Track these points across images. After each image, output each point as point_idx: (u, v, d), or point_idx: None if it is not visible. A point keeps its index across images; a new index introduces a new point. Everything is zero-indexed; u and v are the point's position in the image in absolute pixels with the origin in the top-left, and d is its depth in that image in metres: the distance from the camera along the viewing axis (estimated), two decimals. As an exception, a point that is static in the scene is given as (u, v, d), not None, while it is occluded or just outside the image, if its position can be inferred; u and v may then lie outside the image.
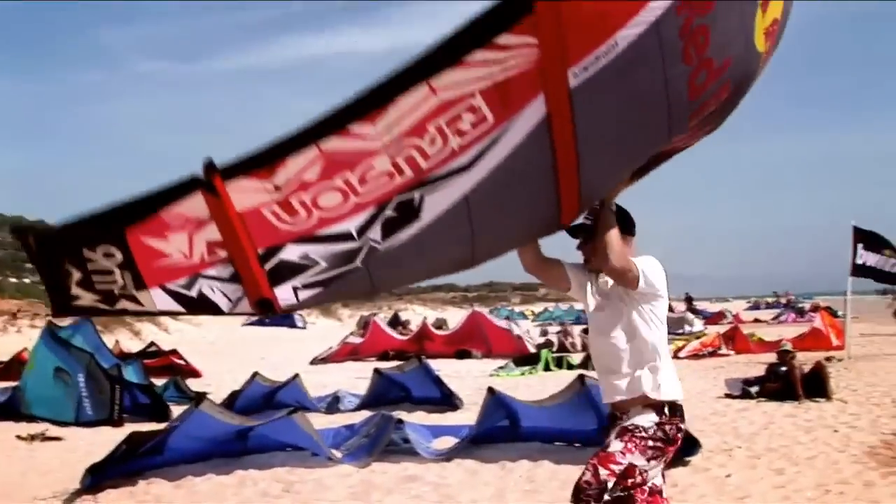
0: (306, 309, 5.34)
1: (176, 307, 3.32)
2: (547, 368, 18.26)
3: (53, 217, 3.82)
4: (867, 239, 19.14)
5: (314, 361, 22.37)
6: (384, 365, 15.46)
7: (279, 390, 12.36)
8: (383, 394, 12.72)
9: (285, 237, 3.20)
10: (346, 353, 23.13)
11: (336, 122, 2.97)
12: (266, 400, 12.18)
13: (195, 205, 3.08)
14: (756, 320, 36.61)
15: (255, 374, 12.62)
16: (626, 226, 4.01)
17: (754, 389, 12.78)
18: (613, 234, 3.81)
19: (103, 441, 9.35)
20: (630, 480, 3.79)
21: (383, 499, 7.03)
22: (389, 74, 2.91)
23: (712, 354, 20.27)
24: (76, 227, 3.21)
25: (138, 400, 12.58)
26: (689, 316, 30.25)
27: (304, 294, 3.35)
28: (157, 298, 3.27)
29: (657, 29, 2.99)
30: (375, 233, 3.23)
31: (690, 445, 8.14)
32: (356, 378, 15.95)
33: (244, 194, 3.09)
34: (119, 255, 3.18)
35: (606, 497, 3.79)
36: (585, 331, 25.55)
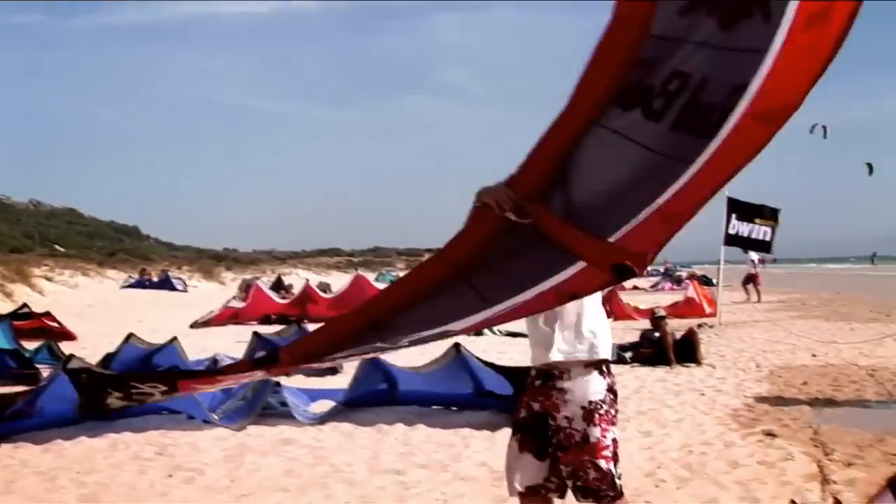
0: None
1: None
2: (428, 334, 18.42)
3: None
4: (740, 209, 19.88)
5: (194, 325, 22.06)
6: (266, 329, 15.37)
7: (155, 353, 12.12)
8: (262, 357, 12.65)
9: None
10: (228, 316, 22.87)
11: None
12: (142, 363, 11.91)
13: (255, 373, 3.72)
14: (634, 287, 37.63)
15: (130, 336, 12.37)
16: None
17: (628, 355, 13.20)
18: None
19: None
20: (617, 451, 3.92)
21: (257, 461, 7.02)
22: None
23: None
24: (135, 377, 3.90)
25: (7, 364, 12.20)
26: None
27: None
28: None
29: None
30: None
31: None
32: (237, 342, 15.80)
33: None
34: (163, 387, 3.63)
35: (618, 481, 3.88)
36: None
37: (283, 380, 10.52)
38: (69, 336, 17.70)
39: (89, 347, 15.56)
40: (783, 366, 12.56)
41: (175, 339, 12.39)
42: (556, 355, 3.95)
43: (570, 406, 3.89)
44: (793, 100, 2.62)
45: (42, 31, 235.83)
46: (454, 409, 9.14)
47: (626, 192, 2.90)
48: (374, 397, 9.18)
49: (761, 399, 9.76)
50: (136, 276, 45.13)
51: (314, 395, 9.78)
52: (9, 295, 29.33)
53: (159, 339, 12.90)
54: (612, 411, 3.95)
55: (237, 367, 3.62)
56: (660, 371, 12.00)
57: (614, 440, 3.91)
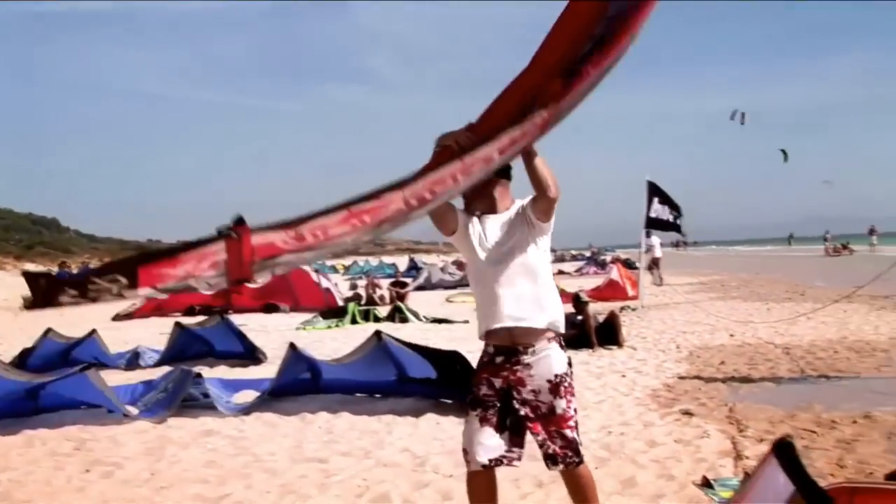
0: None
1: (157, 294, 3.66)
2: (354, 321, 18.42)
3: None
4: (661, 193, 20.23)
5: (116, 317, 21.67)
6: (189, 320, 15.16)
7: (75, 347, 11.94)
8: (185, 349, 12.50)
9: (285, 251, 3.61)
10: (151, 308, 22.45)
11: (373, 195, 3.62)
12: (62, 357, 11.74)
13: (214, 247, 3.48)
14: (560, 272, 37.98)
15: (49, 331, 12.14)
16: (507, 170, 4.29)
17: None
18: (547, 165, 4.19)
19: None
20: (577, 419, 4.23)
21: (178, 453, 6.95)
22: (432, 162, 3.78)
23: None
24: (94, 271, 3.52)
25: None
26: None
27: (280, 271, 3.83)
28: (143, 292, 3.57)
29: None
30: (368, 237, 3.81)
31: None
32: (160, 334, 15.56)
33: (264, 237, 3.54)
34: (123, 281, 3.43)
35: (581, 448, 4.18)
36: (394, 284, 26.17)
37: (205, 371, 10.45)
38: (-16, 331, 17.25)
39: (5, 342, 15.23)
40: (702, 346, 12.85)
41: (94, 331, 12.22)
42: (508, 321, 4.14)
43: (536, 380, 4.12)
44: None
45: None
46: (378, 396, 9.16)
47: None
48: (298, 387, 9.15)
49: (680, 379, 9.97)
50: (55, 269, 44.11)
51: (237, 385, 9.70)
52: (-79, 290, 28.42)
53: (80, 332, 12.68)
54: (572, 381, 4.25)
55: (199, 242, 3.52)
56: (583, 354, 12.16)
57: (575, 409, 4.20)
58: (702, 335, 14.23)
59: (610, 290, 23.38)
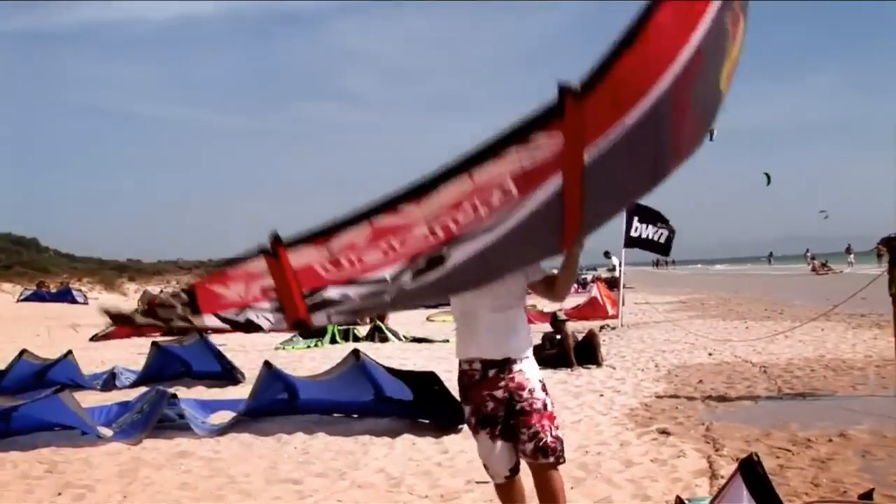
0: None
1: (223, 326, 3.88)
2: (333, 341, 18.35)
3: None
4: (642, 212, 20.22)
5: (95, 338, 21.47)
6: (169, 339, 15.06)
7: (50, 368, 11.83)
8: (162, 369, 12.42)
9: (328, 282, 3.80)
10: (130, 329, 22.28)
11: (390, 204, 3.62)
12: (37, 379, 11.63)
13: (257, 265, 3.73)
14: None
15: (23, 352, 12.02)
16: None
17: (529, 357, 13.30)
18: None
19: None
20: None
21: (152, 475, 6.89)
22: (440, 169, 3.57)
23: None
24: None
25: None
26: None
27: (336, 318, 4.06)
28: (209, 321, 3.84)
29: (657, 106, 3.57)
30: (406, 277, 3.86)
31: (462, 414, 8.43)
32: (138, 354, 15.46)
33: (301, 256, 3.70)
34: (185, 297, 3.80)
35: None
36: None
37: (182, 391, 10.39)
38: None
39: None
40: (680, 365, 12.86)
41: (70, 352, 12.11)
42: (488, 353, 4.46)
43: (531, 381, 4.46)
44: None
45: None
46: (355, 416, 9.13)
47: None
48: (275, 407, 9.10)
49: (658, 398, 9.97)
50: (32, 288, 43.82)
51: (213, 406, 9.63)
52: None
53: (56, 353, 12.57)
54: None
55: (240, 259, 3.83)
56: (561, 373, 12.16)
57: None
58: (680, 354, 14.25)
59: (590, 309, 23.42)
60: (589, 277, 48.73)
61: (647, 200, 20.51)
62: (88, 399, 10.06)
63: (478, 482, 6.40)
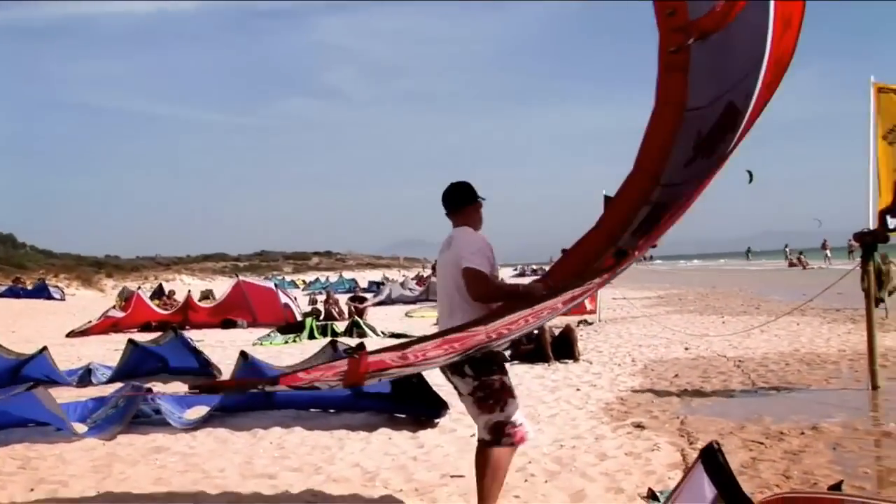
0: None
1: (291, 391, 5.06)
2: (312, 337, 18.33)
3: None
4: None
5: (71, 334, 21.32)
6: (147, 336, 15.01)
7: (25, 364, 11.73)
8: (138, 365, 12.33)
9: (391, 367, 4.62)
10: (107, 325, 22.17)
11: (461, 328, 4.36)
12: (11, 375, 11.52)
13: (341, 363, 4.71)
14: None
15: (-2, 348, 11.92)
16: (447, 203, 5.21)
17: (508, 352, 13.32)
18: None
19: None
20: None
21: (126, 470, 6.85)
22: (512, 309, 4.51)
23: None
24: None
25: None
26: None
27: (384, 379, 5.67)
28: (281, 388, 5.09)
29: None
30: (457, 359, 4.72)
31: (439, 407, 8.46)
32: (115, 350, 15.36)
33: (377, 356, 4.45)
34: (268, 387, 5.07)
35: None
36: (352, 299, 26.08)
37: (159, 387, 10.34)
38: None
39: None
40: (657, 359, 12.94)
41: (45, 348, 12.01)
42: None
43: None
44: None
45: None
46: (332, 411, 9.12)
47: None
48: (251, 402, 9.07)
49: (634, 392, 10.03)
50: (8, 284, 43.46)
51: (189, 401, 9.56)
52: None
53: (32, 349, 12.47)
54: None
55: (332, 361, 5.38)
56: (538, 368, 12.18)
57: None
58: (657, 349, 14.33)
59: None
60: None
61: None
62: (64, 395, 9.99)
63: (452, 476, 6.42)
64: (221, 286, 37.54)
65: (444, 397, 8.41)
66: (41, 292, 40.88)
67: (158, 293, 31.88)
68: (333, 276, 66.54)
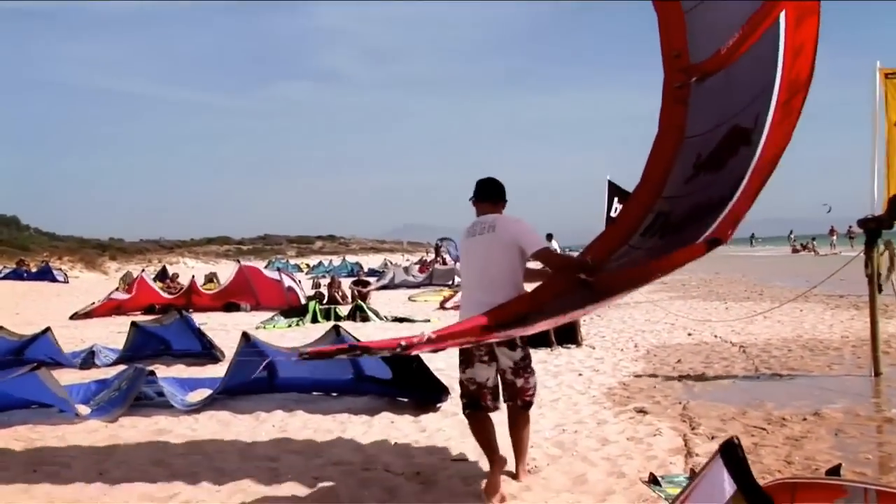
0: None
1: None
2: (315, 320, 18.35)
3: None
4: (623, 193, 20.21)
5: (74, 316, 21.40)
6: (148, 318, 15.03)
7: (28, 345, 11.77)
8: (142, 347, 12.37)
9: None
10: (111, 307, 22.25)
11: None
12: (15, 356, 11.56)
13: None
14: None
15: (1, 329, 11.95)
16: (485, 193, 5.86)
17: (510, 337, 13.32)
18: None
19: None
20: None
21: (128, 452, 6.86)
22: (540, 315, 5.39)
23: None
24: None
25: None
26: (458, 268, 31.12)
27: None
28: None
29: None
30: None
31: (440, 392, 8.47)
32: (118, 333, 15.43)
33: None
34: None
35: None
36: (355, 283, 26.12)
37: (162, 369, 10.36)
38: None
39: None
40: (660, 345, 12.93)
41: (48, 329, 12.04)
42: None
43: None
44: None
45: None
46: (334, 394, 9.13)
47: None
48: (254, 385, 9.08)
49: (636, 377, 10.03)
50: (12, 266, 43.54)
51: (192, 384, 9.61)
52: None
53: (36, 331, 12.48)
54: None
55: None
56: (541, 353, 12.16)
57: None
58: (660, 334, 14.33)
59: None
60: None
61: (628, 184, 20.47)
62: (67, 377, 10.02)
63: (454, 459, 6.43)
64: (225, 269, 37.53)
65: (445, 383, 8.44)
66: (45, 275, 40.98)
67: (162, 276, 31.90)
68: (337, 260, 66.59)
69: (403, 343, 4.65)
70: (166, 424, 7.92)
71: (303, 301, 21.75)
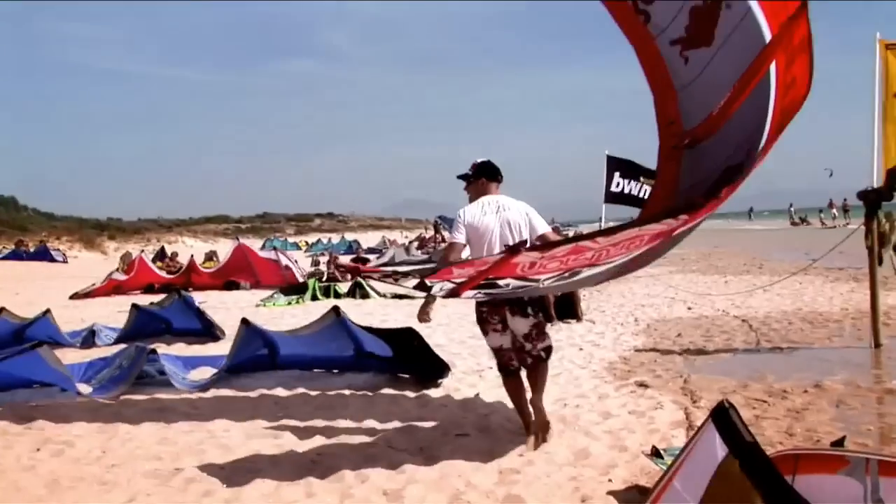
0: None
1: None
2: (314, 298, 18.36)
3: None
4: (623, 167, 20.10)
5: (74, 296, 21.40)
6: (150, 298, 15.05)
7: (29, 326, 11.77)
8: (143, 327, 12.38)
9: (510, 276, 4.64)
10: (111, 287, 22.25)
11: (590, 236, 4.46)
12: (15, 337, 11.56)
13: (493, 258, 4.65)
14: (522, 248, 37.85)
15: (1, 310, 11.95)
16: (494, 174, 6.40)
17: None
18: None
19: None
20: None
21: (131, 430, 6.88)
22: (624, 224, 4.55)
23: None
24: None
25: None
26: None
27: (480, 297, 5.53)
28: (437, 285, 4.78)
29: None
30: (549, 282, 5.00)
31: (441, 369, 8.48)
32: (118, 312, 15.43)
33: (524, 257, 4.43)
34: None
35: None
36: (355, 260, 26.10)
37: (162, 348, 10.36)
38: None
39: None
40: (660, 319, 12.96)
41: (48, 310, 12.04)
42: None
43: None
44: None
45: None
46: (335, 371, 9.15)
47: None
48: (255, 363, 9.10)
49: (637, 352, 10.07)
50: (11, 247, 43.52)
51: (194, 362, 9.62)
52: None
53: (36, 312, 12.50)
54: None
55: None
56: (541, 328, 12.19)
57: None
58: (660, 308, 14.35)
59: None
60: (570, 233, 48.90)
61: (632, 155, 20.40)
62: (68, 356, 10.02)
63: (457, 435, 6.45)
64: (224, 248, 37.52)
65: (446, 359, 8.47)
66: (43, 255, 40.97)
67: (161, 255, 31.89)
68: (336, 238, 66.60)
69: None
70: (168, 402, 7.94)
71: (300, 279, 21.76)
